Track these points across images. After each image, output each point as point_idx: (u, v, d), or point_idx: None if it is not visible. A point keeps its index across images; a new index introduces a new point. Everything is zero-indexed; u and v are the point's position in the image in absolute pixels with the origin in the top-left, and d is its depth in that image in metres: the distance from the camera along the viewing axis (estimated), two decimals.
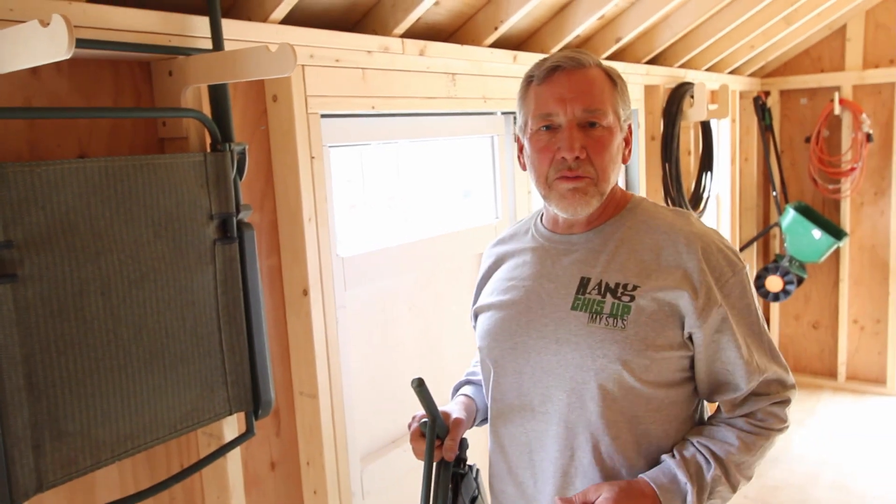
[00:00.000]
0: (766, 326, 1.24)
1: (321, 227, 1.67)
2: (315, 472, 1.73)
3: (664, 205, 1.32)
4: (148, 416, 1.28)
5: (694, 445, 1.20)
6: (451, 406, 1.38)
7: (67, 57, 0.90)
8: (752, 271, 4.70)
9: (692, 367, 1.23)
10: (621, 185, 1.32)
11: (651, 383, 1.19)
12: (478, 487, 1.37)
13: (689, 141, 3.61)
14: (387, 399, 2.11)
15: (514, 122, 1.34)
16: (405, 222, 2.24)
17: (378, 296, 2.09)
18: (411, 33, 1.95)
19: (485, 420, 1.41)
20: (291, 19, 1.62)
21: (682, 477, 1.15)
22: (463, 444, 1.34)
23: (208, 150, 1.40)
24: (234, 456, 1.49)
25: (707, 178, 3.77)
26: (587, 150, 1.17)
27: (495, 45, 2.25)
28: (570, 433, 1.22)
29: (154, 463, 1.47)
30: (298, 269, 1.66)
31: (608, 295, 1.19)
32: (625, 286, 1.19)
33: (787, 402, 1.24)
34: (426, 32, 2.07)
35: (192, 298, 1.34)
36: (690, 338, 1.19)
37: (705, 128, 3.76)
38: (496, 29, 2.14)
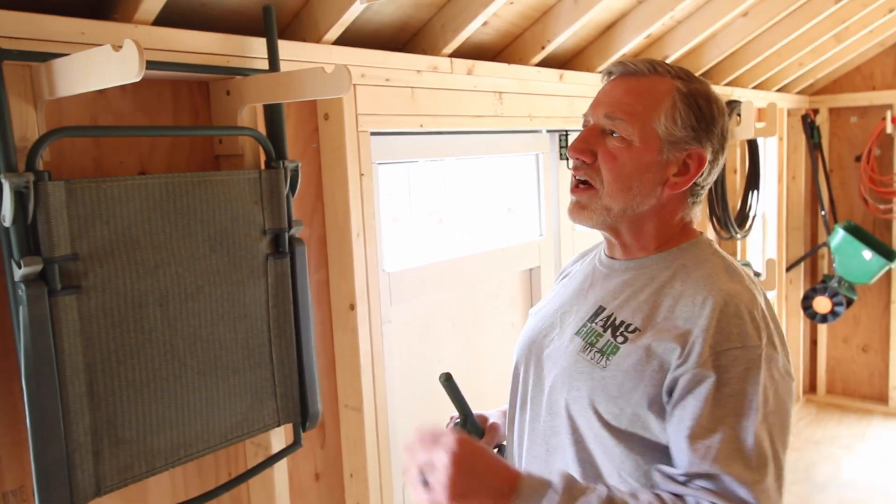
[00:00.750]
0: (768, 438, 0.98)
1: (369, 243, 1.70)
2: (358, 484, 1.75)
3: (728, 257, 1.15)
4: (200, 425, 1.32)
5: (598, 485, 1.01)
6: (491, 411, 1.36)
7: (138, 79, 0.94)
8: (799, 291, 4.62)
9: None
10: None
11: (623, 435, 1.06)
12: None
13: (736, 159, 3.57)
14: (429, 414, 2.13)
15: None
16: (450, 238, 2.26)
17: (422, 311, 2.11)
18: (459, 53, 1.98)
19: None
20: (344, 40, 1.65)
21: (557, 484, 0.97)
22: (501, 451, 1.32)
23: (263, 167, 1.44)
24: (281, 466, 1.52)
25: (753, 197, 3.72)
26: (598, 158, 1.11)
27: (542, 63, 2.26)
28: (550, 456, 1.17)
29: (204, 471, 1.51)
30: (346, 284, 1.69)
31: (609, 330, 1.11)
32: (627, 326, 1.10)
33: None
34: (474, 52, 2.10)
35: (245, 311, 1.37)
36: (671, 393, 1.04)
37: (752, 146, 3.72)
38: (543, 48, 2.16)
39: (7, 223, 1.07)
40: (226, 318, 1.34)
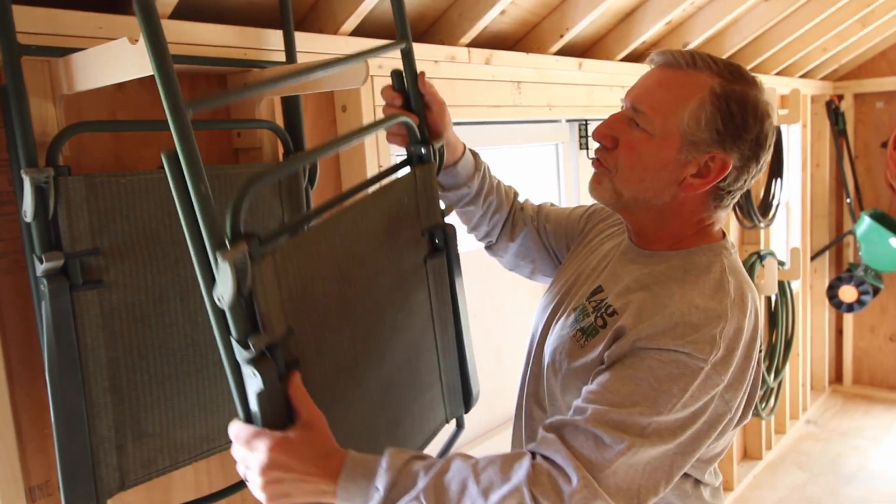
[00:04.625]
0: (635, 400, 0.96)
1: None
2: None
3: (731, 273, 1.08)
4: (223, 419, 1.32)
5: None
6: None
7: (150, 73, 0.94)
8: (824, 280, 4.55)
9: None
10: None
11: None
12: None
13: None
14: None
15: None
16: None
17: None
18: (477, 42, 1.96)
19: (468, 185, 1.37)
20: (360, 31, 1.65)
21: (380, 481, 0.91)
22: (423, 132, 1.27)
23: (281, 159, 1.44)
24: None
25: (776, 186, 3.67)
26: (619, 143, 1.09)
27: (560, 52, 2.24)
28: (523, 413, 1.25)
29: (227, 466, 1.51)
30: None
31: (595, 312, 1.11)
32: (610, 311, 1.09)
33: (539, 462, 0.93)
34: (491, 41, 2.08)
35: None
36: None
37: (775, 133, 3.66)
38: (562, 37, 2.14)
39: (28, 218, 1.07)
40: None
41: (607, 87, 2.42)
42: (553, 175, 2.49)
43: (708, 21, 2.67)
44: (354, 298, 1.12)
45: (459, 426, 1.48)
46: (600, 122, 1.12)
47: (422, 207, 1.29)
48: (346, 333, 1.10)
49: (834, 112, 4.46)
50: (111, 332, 1.16)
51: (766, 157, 1.09)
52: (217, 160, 1.46)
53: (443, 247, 1.33)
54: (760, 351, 1.10)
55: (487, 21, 1.83)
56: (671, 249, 1.13)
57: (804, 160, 4.23)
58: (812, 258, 4.49)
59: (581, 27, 2.12)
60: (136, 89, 1.33)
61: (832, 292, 4.42)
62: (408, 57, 1.27)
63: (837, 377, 4.92)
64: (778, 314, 3.77)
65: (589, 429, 0.94)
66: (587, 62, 2.32)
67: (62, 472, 1.11)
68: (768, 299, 3.78)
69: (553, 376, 1.14)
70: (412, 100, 1.29)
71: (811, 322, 4.56)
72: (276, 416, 0.93)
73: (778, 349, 3.77)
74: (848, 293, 4.33)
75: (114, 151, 1.30)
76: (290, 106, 1.44)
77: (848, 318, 4.77)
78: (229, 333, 0.91)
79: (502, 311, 2.31)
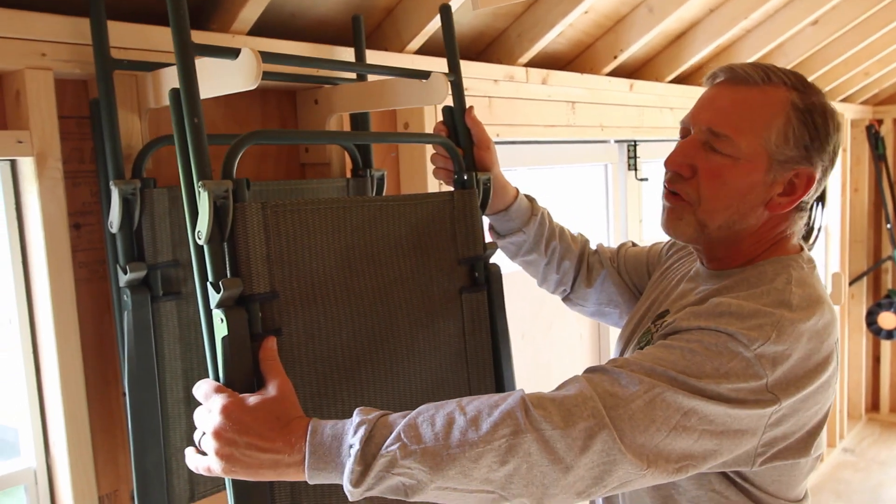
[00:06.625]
0: (664, 370, 0.89)
1: None
2: None
3: (794, 280, 1.00)
4: None
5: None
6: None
7: (254, 87, 0.95)
8: (862, 306, 4.48)
9: None
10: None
11: None
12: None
13: None
14: None
15: None
16: None
17: None
18: (533, 62, 1.97)
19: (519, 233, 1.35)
20: (426, 50, 1.66)
21: (353, 443, 0.82)
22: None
23: (349, 175, 1.45)
24: None
25: (818, 210, 3.62)
26: (697, 171, 1.02)
27: (612, 73, 2.24)
28: None
29: None
30: None
31: (656, 333, 1.05)
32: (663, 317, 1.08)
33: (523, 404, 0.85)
34: (546, 61, 2.09)
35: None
36: None
37: None
38: (615, 58, 2.14)
39: (114, 229, 1.08)
40: None
41: (657, 108, 2.42)
42: (602, 195, 2.49)
43: (756, 44, 2.66)
44: (362, 296, 1.09)
45: None
46: (672, 152, 1.05)
47: (458, 233, 1.23)
48: (346, 328, 1.06)
49: (874, 136, 4.42)
50: (186, 343, 1.17)
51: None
52: (285, 175, 1.47)
53: (483, 283, 1.28)
54: (837, 382, 1.02)
55: (546, 42, 1.84)
56: (746, 266, 1.07)
57: (843, 184, 4.18)
58: (850, 283, 4.43)
59: (635, 48, 2.13)
60: (211, 105, 1.34)
61: (871, 318, 4.35)
62: (457, 89, 1.28)
63: (874, 405, 4.83)
64: None
65: (610, 370, 0.91)
66: (638, 83, 2.32)
67: (137, 482, 1.12)
68: None
69: None
70: (459, 132, 1.30)
71: (849, 348, 4.49)
72: (241, 374, 0.90)
73: None
74: (888, 320, 4.26)
75: None
76: (360, 122, 1.45)
77: (886, 346, 4.69)
78: (206, 276, 0.92)
79: (551, 331, 2.30)
